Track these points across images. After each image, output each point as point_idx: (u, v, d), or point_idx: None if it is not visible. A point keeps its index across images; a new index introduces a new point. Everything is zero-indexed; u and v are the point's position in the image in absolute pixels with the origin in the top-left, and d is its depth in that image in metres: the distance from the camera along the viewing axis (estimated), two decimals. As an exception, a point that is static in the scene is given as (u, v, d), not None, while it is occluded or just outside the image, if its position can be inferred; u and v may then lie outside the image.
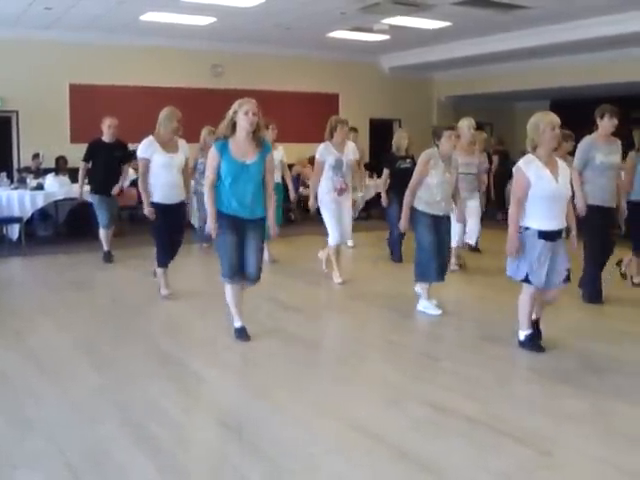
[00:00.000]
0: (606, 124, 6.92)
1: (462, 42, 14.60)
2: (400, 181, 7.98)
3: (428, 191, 6.69)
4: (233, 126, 5.56)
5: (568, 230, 5.56)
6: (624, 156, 7.39)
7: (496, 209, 13.32)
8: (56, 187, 11.20)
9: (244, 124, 5.50)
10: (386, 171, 9.59)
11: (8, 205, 10.78)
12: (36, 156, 13.01)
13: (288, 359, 5.48)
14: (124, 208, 11.75)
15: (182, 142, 7.37)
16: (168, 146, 7.19)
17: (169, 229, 7.28)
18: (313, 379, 5.11)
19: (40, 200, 10.99)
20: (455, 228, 8.09)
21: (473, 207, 8.82)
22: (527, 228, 5.39)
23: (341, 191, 8.09)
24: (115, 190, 9.67)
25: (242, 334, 5.93)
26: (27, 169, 12.80)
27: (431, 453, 3.88)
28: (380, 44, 15.33)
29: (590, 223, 6.89)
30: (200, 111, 11.92)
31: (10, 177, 12.22)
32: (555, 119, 5.38)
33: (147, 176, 7.19)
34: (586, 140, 7.02)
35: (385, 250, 9.97)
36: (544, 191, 5.28)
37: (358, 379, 5.13)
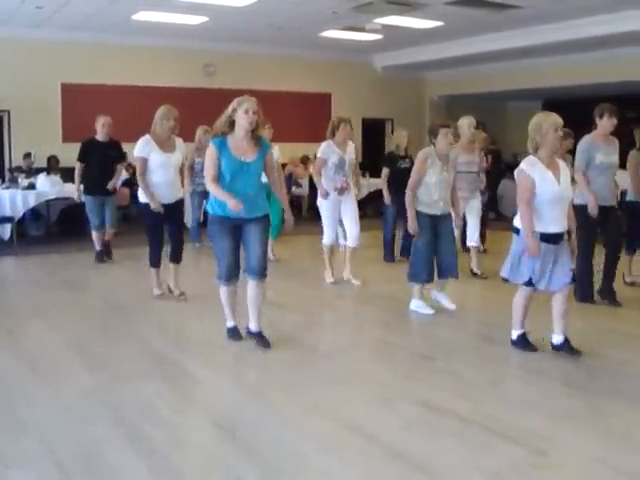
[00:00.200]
0: (605, 123, 6.84)
1: (455, 42, 14.62)
2: (400, 181, 7.86)
3: (426, 190, 6.63)
4: (231, 124, 5.39)
5: (569, 232, 5.50)
6: (621, 155, 7.30)
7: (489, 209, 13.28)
8: (48, 187, 11.17)
9: (244, 123, 5.33)
10: (385, 170, 9.49)
11: (0, 205, 10.74)
12: (28, 155, 12.97)
13: (282, 359, 5.47)
14: (117, 208, 11.71)
15: (179, 141, 7.28)
16: (165, 145, 7.09)
17: (167, 228, 7.22)
18: (307, 379, 5.09)
19: (32, 200, 10.95)
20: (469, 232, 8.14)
21: (475, 207, 8.67)
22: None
23: (342, 190, 7.99)
24: (110, 186, 9.49)
25: (234, 334, 5.88)
26: (19, 169, 12.76)
27: (424, 453, 3.88)
28: (373, 44, 15.34)
29: (588, 222, 6.81)
30: (192, 111, 11.88)
31: (2, 176, 12.23)
32: (558, 120, 5.29)
33: (145, 176, 7.06)
34: (586, 140, 6.94)
35: (381, 250, 9.93)
36: (547, 194, 5.21)
37: (351, 379, 5.12)
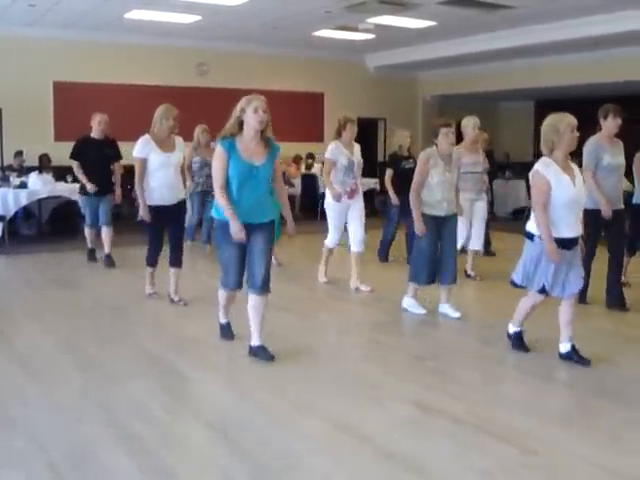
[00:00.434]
0: (610, 124, 6.71)
1: (447, 42, 14.63)
2: (403, 182, 7.71)
3: (429, 191, 6.54)
4: (240, 125, 5.11)
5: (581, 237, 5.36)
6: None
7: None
8: (40, 185, 11.12)
9: (253, 123, 5.06)
10: (389, 171, 9.33)
11: (-9, 203, 10.70)
12: (19, 154, 12.92)
13: (275, 360, 5.45)
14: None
15: (179, 140, 7.13)
16: (165, 145, 6.95)
17: (167, 230, 7.09)
18: (299, 380, 5.09)
19: (23, 198, 10.90)
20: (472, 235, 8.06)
21: (480, 210, 8.51)
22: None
23: (352, 193, 7.75)
24: (118, 197, 9.40)
25: (227, 331, 5.88)
26: (10, 167, 12.72)
27: (416, 453, 3.88)
28: (365, 43, 15.34)
29: (595, 225, 6.63)
30: (185, 110, 11.76)
31: (-7, 175, 12.14)
32: (574, 121, 5.16)
33: (143, 177, 6.94)
34: (592, 141, 6.77)
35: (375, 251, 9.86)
36: (563, 197, 5.07)
37: (344, 379, 5.12)
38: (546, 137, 5.18)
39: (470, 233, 8.42)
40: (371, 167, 10.88)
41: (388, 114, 17.76)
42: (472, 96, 17.55)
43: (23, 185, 11.05)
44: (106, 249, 9.28)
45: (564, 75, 14.86)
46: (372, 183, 13.64)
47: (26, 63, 13.49)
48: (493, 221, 12.17)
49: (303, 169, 15.27)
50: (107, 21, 12.87)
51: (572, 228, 5.18)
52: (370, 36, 14.48)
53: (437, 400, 4.67)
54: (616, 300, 7.06)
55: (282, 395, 4.78)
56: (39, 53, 13.58)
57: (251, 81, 15.17)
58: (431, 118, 17.21)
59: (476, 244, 8.55)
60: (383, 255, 9.72)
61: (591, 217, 6.44)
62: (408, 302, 6.91)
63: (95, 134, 9.23)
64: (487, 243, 9.47)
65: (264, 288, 5.34)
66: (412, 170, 7.33)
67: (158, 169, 6.91)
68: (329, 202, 7.85)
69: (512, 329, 5.67)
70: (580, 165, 6.51)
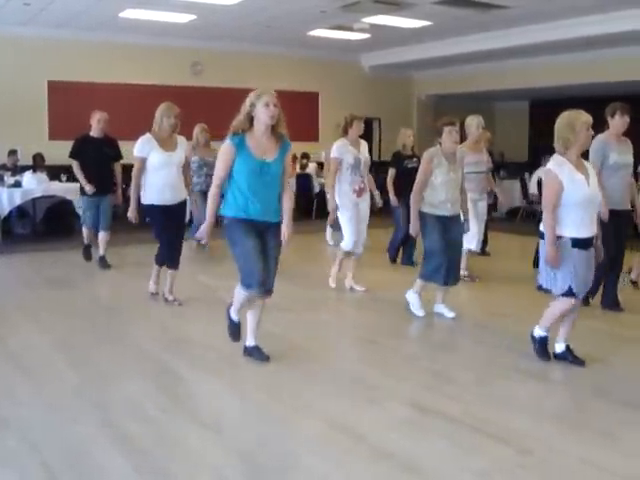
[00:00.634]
0: (617, 122, 6.57)
1: (442, 41, 14.64)
2: (407, 181, 7.55)
3: (432, 191, 6.42)
4: (251, 120, 4.93)
5: (596, 237, 5.24)
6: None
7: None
8: (34, 184, 11.10)
9: (264, 118, 4.88)
10: (392, 171, 9.12)
11: (-15, 203, 10.67)
12: (13, 153, 12.88)
13: (271, 359, 5.44)
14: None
15: (181, 139, 7.01)
16: (166, 143, 6.82)
17: (169, 230, 6.94)
18: (295, 379, 5.08)
19: (17, 197, 10.89)
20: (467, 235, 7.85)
21: (481, 210, 8.38)
22: (559, 237, 5.03)
23: (360, 192, 7.56)
24: (118, 199, 9.21)
25: (236, 330, 5.51)
26: (4, 166, 12.68)
27: (413, 453, 3.88)
28: (360, 43, 15.34)
29: (614, 225, 6.46)
30: (179, 109, 11.88)
31: (-13, 174, 12.09)
32: (590, 119, 5.04)
33: (140, 177, 6.84)
34: (599, 139, 6.53)
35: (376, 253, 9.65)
36: (578, 196, 4.96)
37: (341, 380, 5.10)
38: (562, 135, 5.03)
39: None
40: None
41: (383, 114, 17.76)
42: (467, 96, 17.57)
43: (17, 184, 11.04)
44: (101, 251, 9.11)
45: (558, 75, 14.89)
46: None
47: (20, 62, 13.45)
48: (489, 221, 12.20)
49: (298, 169, 15.25)
50: (101, 20, 12.84)
51: (588, 227, 5.07)
52: (365, 36, 14.49)
53: (433, 400, 4.67)
54: (612, 301, 7.02)
55: (279, 395, 4.77)
56: (33, 52, 13.54)
57: (246, 80, 15.13)
58: (426, 118, 17.33)
59: (471, 243, 8.34)
60: (391, 255, 9.48)
61: (610, 217, 6.35)
62: (412, 297, 6.78)
63: (95, 133, 8.99)
64: (484, 243, 9.42)
65: (270, 291, 5.20)
66: (416, 169, 7.24)
67: (159, 168, 6.79)
68: (341, 203, 7.58)
69: (537, 332, 5.43)
70: None
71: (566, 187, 4.94)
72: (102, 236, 9.09)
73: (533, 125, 20.23)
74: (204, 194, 9.90)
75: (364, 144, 7.72)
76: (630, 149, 6.77)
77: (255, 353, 5.38)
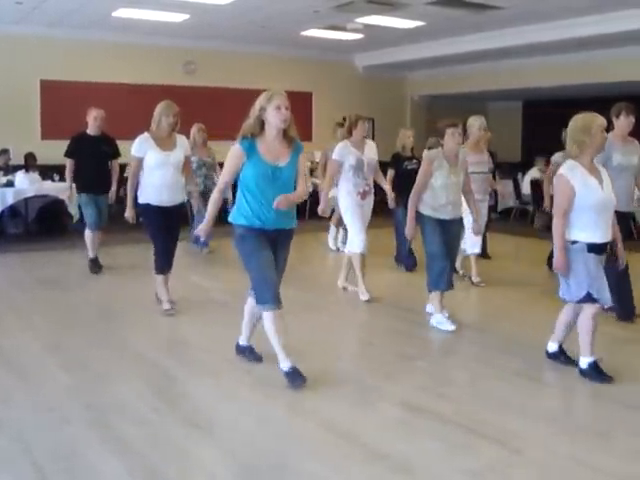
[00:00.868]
0: (622, 123, 6.39)
1: (436, 42, 14.63)
2: (407, 183, 7.44)
3: (433, 194, 6.27)
4: (261, 124, 4.73)
5: (615, 241, 5.11)
6: None
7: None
8: (26, 184, 11.06)
9: (276, 121, 4.67)
10: (391, 172, 8.86)
11: (-23, 202, 10.63)
12: (4, 152, 12.82)
13: (263, 359, 5.44)
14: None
15: (181, 138, 6.84)
16: (164, 143, 6.62)
17: (165, 233, 6.71)
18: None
19: (10, 197, 10.84)
20: (472, 238, 7.69)
21: (483, 212, 8.08)
22: (574, 242, 4.89)
23: (364, 194, 7.36)
24: (112, 196, 8.86)
25: (295, 377, 4.82)
26: (-5, 166, 12.64)
27: (406, 454, 3.88)
28: (354, 43, 15.33)
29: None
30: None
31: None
32: (604, 121, 4.95)
33: (137, 177, 6.65)
34: None
35: (385, 256, 9.46)
36: (591, 200, 4.81)
37: (332, 380, 5.09)
38: (576, 138, 4.89)
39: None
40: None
41: (376, 114, 17.72)
42: (460, 96, 17.57)
43: (10, 184, 11.00)
44: (91, 252, 8.85)
45: (552, 76, 14.90)
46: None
47: (13, 61, 13.40)
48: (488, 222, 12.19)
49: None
50: (94, 19, 12.80)
51: (603, 232, 4.91)
52: (359, 36, 14.47)
53: (426, 401, 4.67)
54: (630, 311, 6.66)
55: (271, 396, 4.76)
56: (26, 51, 13.49)
57: (239, 80, 15.17)
58: (419, 118, 17.37)
59: (475, 247, 8.23)
60: (408, 263, 9.11)
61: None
62: (437, 319, 6.45)
63: (91, 131, 8.73)
64: (483, 244, 9.29)
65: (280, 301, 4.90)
66: (415, 171, 7.15)
67: (156, 168, 6.59)
68: (344, 206, 7.46)
69: (584, 362, 5.06)
70: None
71: (578, 191, 4.81)
72: (95, 235, 8.88)
73: (526, 125, 20.26)
74: (202, 194, 9.86)
75: (370, 145, 7.52)
76: (637, 150, 6.58)
77: (248, 353, 5.38)
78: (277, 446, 4.00)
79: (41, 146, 13.12)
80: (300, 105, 16.67)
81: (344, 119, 8.04)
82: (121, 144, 8.76)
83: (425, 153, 9.64)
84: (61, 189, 11.05)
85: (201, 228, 5.03)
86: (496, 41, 13.69)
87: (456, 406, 4.57)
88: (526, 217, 14.19)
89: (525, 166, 15.53)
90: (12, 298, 7.58)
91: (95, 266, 8.80)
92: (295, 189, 4.89)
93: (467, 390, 4.94)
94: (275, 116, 4.67)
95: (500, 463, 3.78)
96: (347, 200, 7.41)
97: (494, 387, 5.02)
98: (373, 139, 7.56)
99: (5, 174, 11.58)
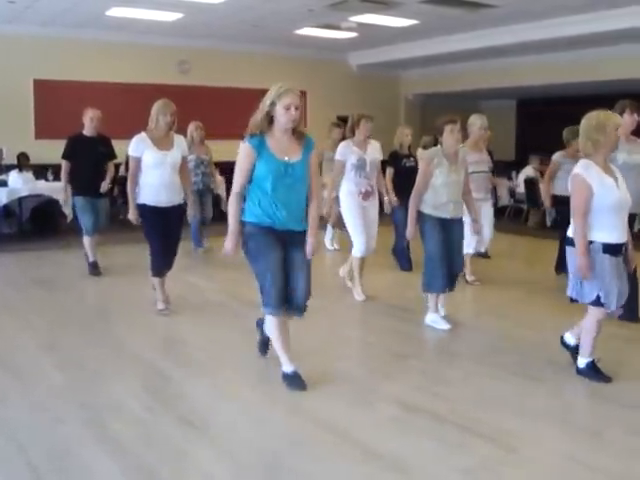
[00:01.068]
0: (626, 121, 6.21)
1: (430, 40, 14.64)
2: (405, 181, 7.32)
3: (433, 193, 6.14)
4: (270, 120, 4.55)
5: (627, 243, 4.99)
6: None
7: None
8: (20, 183, 11.04)
9: (283, 121, 4.51)
10: (390, 170, 8.63)
11: (-29, 202, 10.61)
12: (-3, 151, 12.78)
13: (255, 357, 5.44)
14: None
15: (179, 138, 6.75)
16: (162, 142, 6.52)
17: (162, 234, 6.60)
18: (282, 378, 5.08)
19: (3, 197, 10.82)
20: (466, 237, 7.41)
21: (487, 211, 8.08)
22: (590, 242, 4.76)
23: (366, 195, 7.19)
24: (104, 187, 8.55)
25: (295, 381, 4.80)
26: (-12, 166, 12.59)
27: (400, 452, 3.88)
28: (348, 42, 15.33)
29: None
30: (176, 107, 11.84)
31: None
32: (619, 120, 4.87)
33: (136, 177, 6.55)
34: None
35: (383, 255, 9.25)
36: (608, 200, 4.70)
37: (327, 378, 5.09)
38: (591, 136, 4.78)
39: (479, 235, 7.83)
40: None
41: (370, 113, 17.59)
42: (454, 95, 17.59)
43: (3, 183, 10.97)
44: (91, 256, 8.70)
45: (546, 74, 14.91)
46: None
47: (6, 61, 13.36)
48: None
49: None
50: (88, 18, 12.77)
51: (620, 233, 4.82)
52: (353, 34, 14.47)
53: (421, 399, 4.67)
54: (633, 312, 6.50)
55: (265, 394, 4.77)
56: (19, 51, 13.45)
57: (233, 79, 15.17)
58: (413, 117, 17.37)
59: (481, 247, 8.17)
60: (404, 262, 9.08)
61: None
62: (431, 318, 6.43)
63: (87, 131, 8.55)
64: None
65: (304, 308, 4.82)
66: (413, 169, 7.08)
67: (154, 168, 6.49)
68: (345, 206, 7.27)
69: (582, 362, 5.06)
70: None
71: (596, 191, 4.70)
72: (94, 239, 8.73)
73: (520, 124, 20.28)
74: (201, 193, 9.84)
75: (374, 144, 7.37)
76: None
77: (293, 381, 4.82)
78: (273, 445, 4.00)
79: (35, 146, 13.09)
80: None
81: (339, 119, 8.01)
82: (115, 144, 8.72)
83: (419, 151, 9.73)
84: (55, 189, 11.04)
85: (227, 245, 4.69)
86: (490, 40, 13.70)
87: (451, 405, 4.57)
88: (520, 216, 14.21)
89: (519, 164, 15.55)
90: (6, 298, 7.57)
91: (95, 269, 8.66)
92: (310, 188, 4.76)
93: (462, 389, 4.94)
94: (283, 116, 4.51)
95: (495, 462, 3.78)
96: (348, 201, 7.24)
97: (489, 386, 5.02)
98: (344, 138, 7.42)
99: (-1, 174, 11.55)
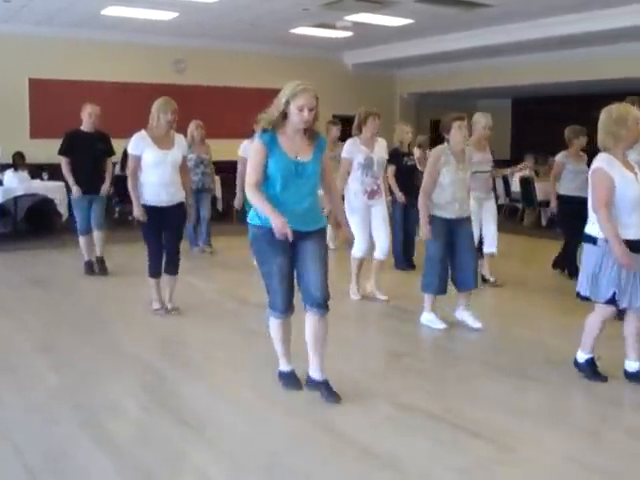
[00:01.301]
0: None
1: (425, 40, 14.66)
2: (406, 179, 7.31)
3: (439, 191, 6.02)
4: (284, 116, 4.38)
5: None
6: None
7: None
8: (15, 183, 11.01)
9: (296, 121, 4.36)
10: (392, 168, 8.41)
11: (-34, 201, 10.59)
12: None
13: (253, 358, 5.44)
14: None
15: (179, 137, 6.66)
16: (162, 141, 6.42)
17: (163, 234, 6.56)
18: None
19: (-1, 196, 10.82)
20: (489, 238, 7.44)
21: (491, 210, 7.95)
22: (608, 239, 4.65)
23: (372, 194, 7.05)
24: (104, 190, 8.50)
25: (292, 381, 4.84)
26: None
27: (394, 451, 3.88)
28: (343, 41, 15.34)
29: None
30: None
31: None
32: (638, 113, 4.75)
33: (137, 176, 6.44)
34: None
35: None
36: (629, 195, 4.61)
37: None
38: (611, 130, 4.68)
39: (483, 235, 7.89)
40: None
41: (366, 112, 17.75)
42: (450, 94, 17.61)
43: (-2, 182, 10.96)
44: (98, 251, 8.62)
45: (540, 73, 14.94)
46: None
47: (1, 60, 13.34)
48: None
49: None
50: (83, 17, 12.76)
51: (638, 230, 4.69)
52: (348, 34, 14.48)
53: (415, 398, 4.67)
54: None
55: (261, 393, 4.76)
56: (14, 50, 13.43)
57: (229, 78, 15.18)
58: (408, 116, 17.36)
59: (492, 246, 8.00)
60: (401, 261, 8.99)
61: None
62: (427, 317, 6.38)
63: (86, 127, 8.38)
64: (480, 244, 9.04)
65: (324, 305, 4.60)
66: (414, 167, 7.01)
67: (153, 167, 6.40)
68: (350, 206, 7.05)
69: (582, 357, 5.01)
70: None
71: (618, 184, 4.60)
72: (97, 235, 8.57)
73: (515, 123, 20.30)
74: (200, 192, 9.80)
75: (381, 142, 7.20)
76: None
77: (322, 390, 4.63)
78: (268, 445, 4.00)
79: (30, 145, 13.07)
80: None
81: (334, 117, 7.94)
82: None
83: (415, 150, 9.70)
84: (50, 188, 11.03)
85: (279, 229, 4.22)
86: (485, 39, 13.73)
87: (446, 404, 4.57)
88: (515, 215, 14.22)
89: (515, 163, 15.55)
90: (1, 298, 7.54)
91: (90, 268, 8.61)
92: (323, 185, 4.68)
93: (458, 388, 4.94)
94: (296, 116, 4.35)
95: (490, 461, 3.79)
96: (353, 201, 7.08)
97: (485, 385, 5.03)
98: (351, 136, 7.34)
99: (-7, 173, 11.51)
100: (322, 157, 4.54)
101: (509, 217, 14.24)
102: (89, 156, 8.31)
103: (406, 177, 7.53)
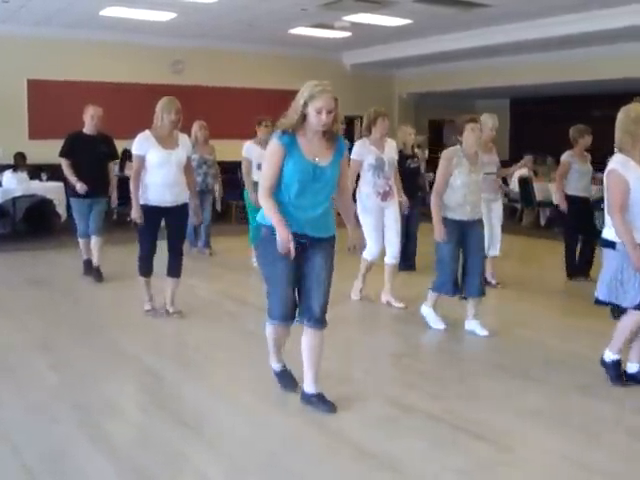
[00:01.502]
0: None
1: (424, 40, 14.64)
2: (410, 182, 7.18)
3: (451, 193, 5.94)
4: (303, 117, 4.27)
5: None
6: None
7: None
8: (14, 184, 10.99)
9: (314, 124, 4.24)
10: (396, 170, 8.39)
11: (-35, 202, 10.57)
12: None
13: (252, 359, 5.44)
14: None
15: (183, 137, 6.58)
16: (166, 141, 6.35)
17: (166, 235, 6.53)
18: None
19: (-3, 197, 10.81)
20: (495, 239, 7.38)
21: (498, 212, 7.95)
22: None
23: (385, 195, 6.93)
24: (113, 200, 8.48)
25: (286, 379, 4.84)
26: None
27: (393, 452, 3.88)
28: (342, 41, 15.33)
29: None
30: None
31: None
32: None
33: (139, 176, 6.34)
34: None
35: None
36: None
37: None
38: (629, 130, 4.62)
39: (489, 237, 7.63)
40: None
41: (364, 112, 17.72)
42: (448, 94, 17.61)
43: (-3, 183, 10.95)
44: (95, 260, 8.39)
45: (539, 73, 14.93)
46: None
47: (-1, 61, 13.35)
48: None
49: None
50: (82, 18, 12.75)
51: None
52: (346, 34, 14.47)
53: (415, 399, 4.68)
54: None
55: (259, 393, 4.76)
56: (13, 51, 13.41)
57: (227, 79, 15.16)
58: (407, 116, 17.36)
59: (495, 249, 7.94)
60: (401, 262, 8.62)
61: None
62: (426, 311, 6.37)
63: (88, 129, 8.20)
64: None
65: (322, 320, 4.50)
66: (417, 169, 6.93)
67: (158, 167, 6.32)
68: (363, 207, 6.95)
69: (609, 357, 4.92)
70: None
71: (633, 187, 4.55)
72: (95, 241, 8.37)
73: (514, 123, 20.30)
74: (203, 194, 9.76)
75: (390, 143, 7.14)
76: None
77: (317, 403, 4.50)
78: (266, 445, 4.00)
79: (29, 146, 13.03)
80: (288, 104, 16.61)
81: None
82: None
83: (417, 151, 9.66)
84: (49, 189, 11.02)
85: (282, 242, 4.13)
86: (483, 39, 13.71)
87: (446, 404, 4.58)
88: (514, 215, 14.22)
89: (513, 163, 15.56)
90: (1, 298, 7.53)
91: (88, 268, 8.49)
92: (336, 190, 4.48)
93: (457, 388, 4.94)
94: (315, 118, 4.23)
95: (490, 461, 3.79)
96: (365, 204, 6.96)
97: (484, 385, 5.03)
98: (361, 137, 7.26)
99: (-8, 174, 11.48)
100: (341, 161, 4.40)
101: (508, 217, 14.22)
102: (91, 159, 8.13)
103: (410, 179, 7.46)
